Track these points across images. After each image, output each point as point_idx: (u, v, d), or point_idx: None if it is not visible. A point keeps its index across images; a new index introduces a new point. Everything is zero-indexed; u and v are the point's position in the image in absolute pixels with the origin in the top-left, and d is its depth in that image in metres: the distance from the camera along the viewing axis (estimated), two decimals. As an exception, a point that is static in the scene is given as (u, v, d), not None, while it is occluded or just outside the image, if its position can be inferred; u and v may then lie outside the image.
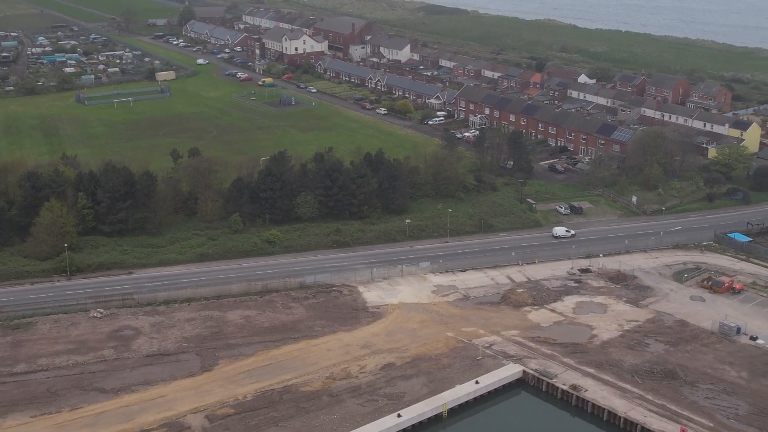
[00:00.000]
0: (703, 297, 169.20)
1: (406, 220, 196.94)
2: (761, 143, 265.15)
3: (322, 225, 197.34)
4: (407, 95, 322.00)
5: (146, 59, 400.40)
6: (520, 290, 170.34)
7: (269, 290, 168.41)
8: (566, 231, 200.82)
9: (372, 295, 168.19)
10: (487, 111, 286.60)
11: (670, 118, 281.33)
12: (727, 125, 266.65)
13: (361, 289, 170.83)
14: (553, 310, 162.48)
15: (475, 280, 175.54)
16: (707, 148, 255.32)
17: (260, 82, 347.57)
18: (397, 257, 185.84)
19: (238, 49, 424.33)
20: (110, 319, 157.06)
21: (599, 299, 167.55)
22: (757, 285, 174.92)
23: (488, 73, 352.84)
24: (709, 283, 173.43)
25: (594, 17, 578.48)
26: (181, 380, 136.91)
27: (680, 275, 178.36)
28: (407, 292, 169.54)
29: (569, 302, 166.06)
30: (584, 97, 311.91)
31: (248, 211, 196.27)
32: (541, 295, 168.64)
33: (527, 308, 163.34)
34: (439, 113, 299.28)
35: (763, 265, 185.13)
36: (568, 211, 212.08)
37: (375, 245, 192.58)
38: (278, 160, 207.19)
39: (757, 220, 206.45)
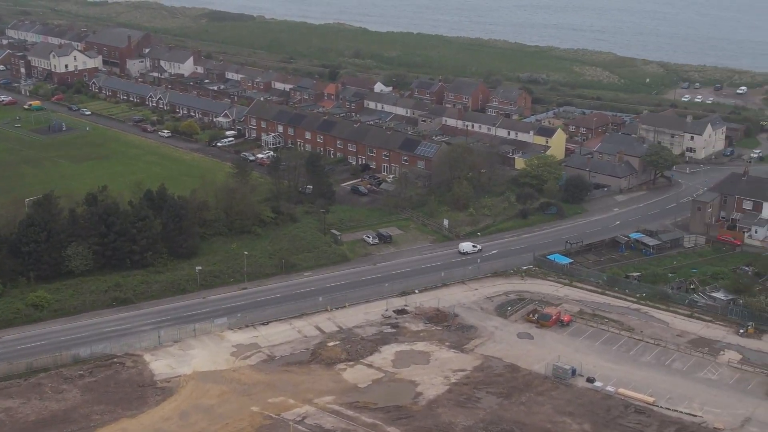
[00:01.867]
0: (531, 333, 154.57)
1: (197, 267, 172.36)
2: (567, 149, 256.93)
3: (99, 279, 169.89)
4: (193, 114, 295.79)
5: None
6: (332, 343, 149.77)
7: (36, 370, 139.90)
8: (473, 246, 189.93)
9: (161, 364, 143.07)
10: (280, 129, 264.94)
11: (472, 127, 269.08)
12: (531, 132, 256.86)
13: (147, 357, 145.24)
14: (370, 365, 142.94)
15: (279, 334, 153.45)
16: (514, 158, 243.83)
17: (26, 106, 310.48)
18: (188, 312, 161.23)
19: (1, 68, 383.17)
20: None
21: (420, 346, 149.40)
22: (584, 314, 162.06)
23: (279, 85, 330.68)
24: (535, 316, 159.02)
25: (383, 19, 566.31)
26: None
27: (504, 309, 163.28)
28: (202, 357, 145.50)
29: (387, 353, 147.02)
30: (382, 107, 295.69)
31: (9, 269, 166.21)
32: (356, 347, 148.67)
33: (341, 365, 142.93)
34: (228, 133, 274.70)
35: (587, 289, 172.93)
36: (376, 240, 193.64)
37: (162, 299, 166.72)
38: (43, 204, 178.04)
39: (575, 237, 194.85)
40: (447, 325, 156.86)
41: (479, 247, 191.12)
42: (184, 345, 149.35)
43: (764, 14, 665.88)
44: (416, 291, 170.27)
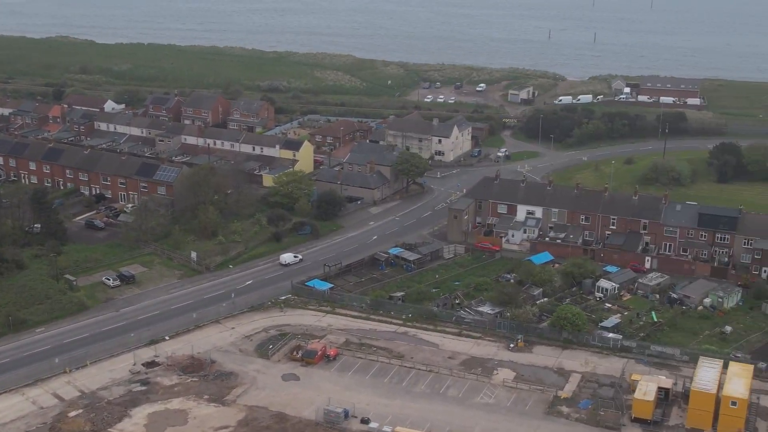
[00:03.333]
0: (297, 374, 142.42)
1: None
2: (315, 161, 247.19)
3: None
4: None
5: None
6: (73, 413, 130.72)
7: None
8: (294, 257, 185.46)
9: None
10: (0, 160, 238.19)
11: (215, 143, 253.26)
12: (277, 146, 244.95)
13: None
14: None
15: (10, 409, 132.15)
16: (261, 176, 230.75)
17: None
18: None
19: None
20: None
21: (176, 404, 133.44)
22: (350, 344, 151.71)
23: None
24: (300, 353, 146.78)
25: (112, 30, 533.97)
26: None
27: (265, 348, 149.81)
28: None
29: (140, 417, 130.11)
30: (115, 128, 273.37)
31: None
32: (102, 415, 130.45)
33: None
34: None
35: (351, 316, 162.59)
36: (117, 282, 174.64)
37: None
38: None
39: (333, 258, 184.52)
40: (204, 375, 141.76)
41: (300, 257, 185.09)
42: None
43: (497, 10, 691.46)
44: (166, 337, 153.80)
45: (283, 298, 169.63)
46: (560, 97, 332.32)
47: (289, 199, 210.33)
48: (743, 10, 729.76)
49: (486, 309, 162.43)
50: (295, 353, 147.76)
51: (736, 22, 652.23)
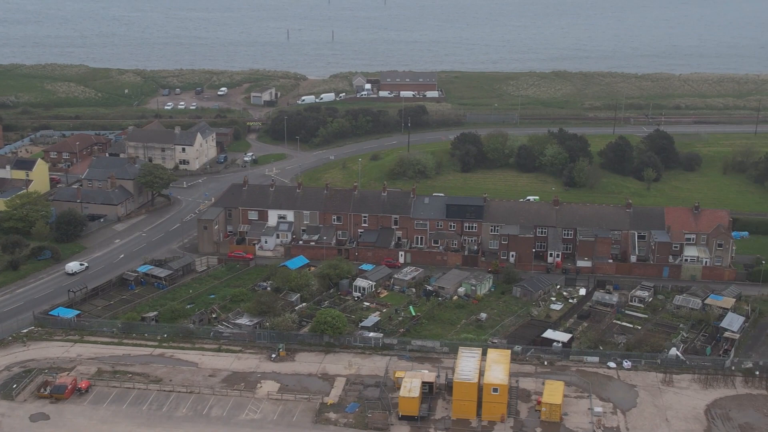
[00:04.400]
0: (47, 412, 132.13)
1: None
2: (52, 180, 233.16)
3: None
4: None
5: None
6: None
7: None
8: (81, 264, 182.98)
9: None
10: None
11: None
12: (8, 167, 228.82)
13: None
14: None
15: None
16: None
17: None
18: None
19: None
20: None
21: None
22: (103, 373, 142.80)
23: None
24: (48, 390, 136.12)
25: None
26: None
27: (8, 388, 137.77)
28: None
29: None
30: None
31: None
32: None
33: None
34: None
35: (102, 343, 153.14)
36: None
37: None
38: None
39: (78, 283, 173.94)
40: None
41: (86, 264, 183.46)
42: None
43: (232, 13, 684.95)
44: None
45: (25, 330, 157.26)
46: (303, 97, 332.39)
47: (24, 223, 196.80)
48: (474, 4, 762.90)
49: (244, 321, 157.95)
50: (42, 390, 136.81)
51: (467, 16, 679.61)
